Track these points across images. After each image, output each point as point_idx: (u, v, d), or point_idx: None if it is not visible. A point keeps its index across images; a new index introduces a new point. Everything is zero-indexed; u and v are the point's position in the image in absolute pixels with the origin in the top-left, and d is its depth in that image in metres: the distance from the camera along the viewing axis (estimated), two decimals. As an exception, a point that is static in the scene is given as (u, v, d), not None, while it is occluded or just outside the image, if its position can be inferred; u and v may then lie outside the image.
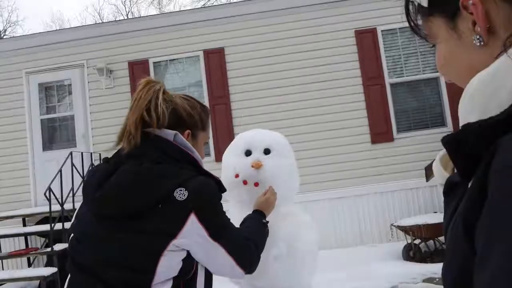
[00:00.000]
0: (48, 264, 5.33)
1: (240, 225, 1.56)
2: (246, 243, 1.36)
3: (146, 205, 1.19)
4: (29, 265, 5.93)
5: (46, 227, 5.13)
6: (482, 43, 0.55)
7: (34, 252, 5.05)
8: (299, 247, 1.89)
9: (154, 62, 6.50)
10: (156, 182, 1.20)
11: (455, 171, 0.60)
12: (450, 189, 0.60)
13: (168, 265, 1.20)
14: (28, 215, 5.69)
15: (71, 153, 5.61)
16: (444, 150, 0.61)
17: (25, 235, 5.48)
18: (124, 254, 1.18)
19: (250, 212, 1.66)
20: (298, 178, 2.15)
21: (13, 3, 32.53)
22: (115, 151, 1.36)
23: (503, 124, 0.47)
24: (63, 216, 5.16)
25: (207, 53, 6.39)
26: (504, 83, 0.49)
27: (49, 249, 4.88)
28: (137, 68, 6.47)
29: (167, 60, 6.53)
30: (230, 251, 1.27)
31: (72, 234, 1.31)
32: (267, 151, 1.99)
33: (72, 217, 5.42)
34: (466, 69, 0.59)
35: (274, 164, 1.94)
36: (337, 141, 6.04)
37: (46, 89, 6.78)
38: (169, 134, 1.29)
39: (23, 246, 5.94)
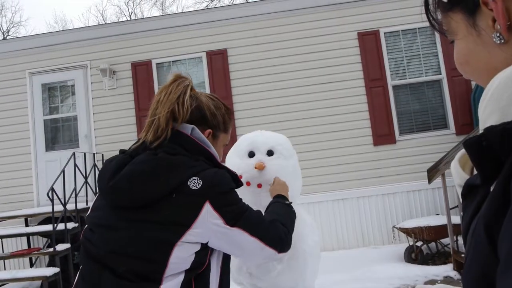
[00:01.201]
0: (50, 264, 5.34)
1: (266, 209, 1.55)
2: (270, 222, 1.34)
3: (160, 195, 1.18)
4: (31, 265, 5.95)
5: (48, 227, 5.14)
6: (502, 41, 0.54)
7: (36, 252, 5.06)
8: (302, 249, 1.89)
9: (157, 63, 6.52)
10: (170, 171, 1.19)
11: (474, 172, 0.60)
12: (469, 191, 0.58)
13: (181, 256, 1.17)
14: (30, 215, 5.71)
15: (73, 154, 5.63)
16: (463, 150, 0.61)
17: (28, 235, 5.50)
18: (136, 244, 1.16)
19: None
20: (301, 179, 2.15)
21: (17, 4, 32.70)
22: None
23: None
24: (66, 217, 5.17)
25: (210, 55, 6.41)
26: None
27: (51, 249, 4.89)
28: (140, 69, 6.48)
29: (170, 61, 6.55)
30: (252, 232, 1.25)
31: (86, 225, 1.31)
32: (270, 153, 1.99)
33: (74, 217, 5.45)
34: (485, 67, 0.58)
35: (277, 165, 1.94)
36: (340, 143, 6.04)
37: (49, 90, 6.80)
38: (187, 127, 1.29)
39: (25, 246, 5.96)
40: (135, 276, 1.15)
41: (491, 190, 0.50)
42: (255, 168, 1.91)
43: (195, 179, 1.19)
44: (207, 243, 1.23)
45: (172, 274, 1.18)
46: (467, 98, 6.00)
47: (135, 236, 1.17)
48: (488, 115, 0.52)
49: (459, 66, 0.63)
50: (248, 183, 1.91)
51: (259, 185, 1.91)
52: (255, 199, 1.90)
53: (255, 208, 1.71)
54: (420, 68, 6.30)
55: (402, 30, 6.21)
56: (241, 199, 1.31)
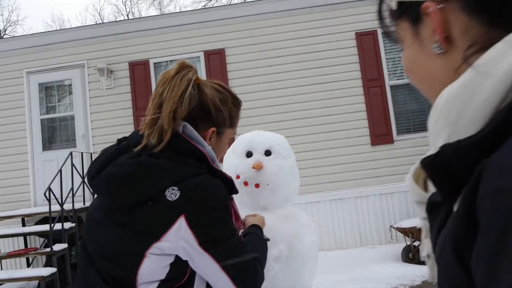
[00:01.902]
0: (47, 264, 5.32)
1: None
2: (249, 259, 1.16)
3: (136, 201, 1.10)
4: (28, 265, 5.93)
5: (45, 227, 5.13)
6: (441, 51, 0.55)
7: (33, 252, 5.05)
8: (299, 249, 1.90)
9: (154, 63, 6.51)
10: (149, 178, 1.09)
11: (427, 185, 0.59)
12: (432, 207, 0.56)
13: (152, 267, 1.10)
14: (27, 215, 5.69)
15: (71, 153, 5.61)
16: (416, 165, 0.60)
17: (24, 235, 5.48)
18: (111, 247, 1.12)
19: (250, 213, 1.64)
20: (298, 179, 2.15)
21: (14, 3, 32.59)
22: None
23: (483, 143, 0.45)
24: (63, 216, 5.15)
25: (208, 54, 6.40)
26: (473, 98, 0.48)
27: (48, 249, 4.88)
28: (138, 69, 6.47)
29: (167, 61, 6.54)
30: (225, 266, 1.10)
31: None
32: (268, 153, 1.99)
33: (71, 217, 5.42)
34: (427, 76, 0.60)
35: (274, 165, 1.95)
36: (337, 143, 6.05)
37: (46, 89, 6.78)
38: (178, 125, 1.16)
39: (22, 246, 5.94)
40: (111, 279, 1.12)
41: (454, 210, 0.48)
42: (253, 168, 1.91)
43: (174, 190, 1.08)
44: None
45: (146, 282, 1.11)
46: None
47: (111, 239, 1.13)
48: (440, 130, 0.52)
49: (406, 73, 0.64)
50: (245, 183, 1.91)
51: (257, 185, 1.91)
52: (252, 199, 1.90)
53: (252, 208, 1.71)
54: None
55: (399, 30, 6.24)
56: (227, 220, 1.14)
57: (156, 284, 1.12)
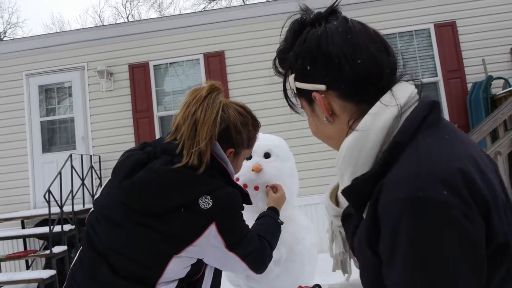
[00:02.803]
0: (47, 266, 5.32)
1: (256, 221, 1.57)
2: (261, 246, 1.37)
3: (170, 208, 1.17)
4: (28, 267, 5.92)
5: (45, 230, 5.13)
6: (330, 123, 0.80)
7: (32, 254, 5.04)
8: (299, 251, 1.90)
9: (154, 65, 6.52)
10: (183, 187, 1.18)
11: (338, 201, 0.87)
12: (345, 218, 0.82)
13: (177, 268, 1.20)
14: (27, 217, 5.68)
15: (70, 155, 5.61)
16: (330, 187, 0.94)
17: (24, 237, 5.48)
18: (137, 247, 1.17)
19: (249, 215, 1.66)
20: (298, 181, 2.16)
21: (14, 5, 32.61)
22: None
23: (376, 174, 0.68)
24: (62, 219, 5.15)
25: (207, 56, 6.41)
26: (363, 148, 0.72)
27: (48, 252, 4.87)
28: (138, 71, 6.48)
29: (167, 63, 6.55)
30: (244, 258, 1.29)
31: (92, 209, 1.31)
32: (267, 155, 2.00)
33: (71, 219, 5.43)
34: (327, 136, 0.84)
35: (274, 167, 1.95)
36: (337, 145, 6.06)
37: (46, 91, 6.78)
38: (213, 145, 1.28)
39: (21, 249, 5.94)
40: (130, 277, 1.17)
41: (364, 217, 0.72)
42: (252, 170, 1.92)
43: (206, 199, 1.18)
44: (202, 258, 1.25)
45: (166, 282, 1.20)
46: (463, 100, 6.03)
47: (137, 240, 1.18)
48: (345, 169, 0.75)
49: (313, 134, 0.88)
50: (245, 186, 1.92)
51: (256, 188, 1.91)
52: (252, 201, 1.90)
53: (252, 211, 1.71)
54: (417, 70, 6.33)
55: (398, 33, 6.24)
56: (244, 221, 1.33)
57: (175, 283, 1.22)
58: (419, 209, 0.60)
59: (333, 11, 0.85)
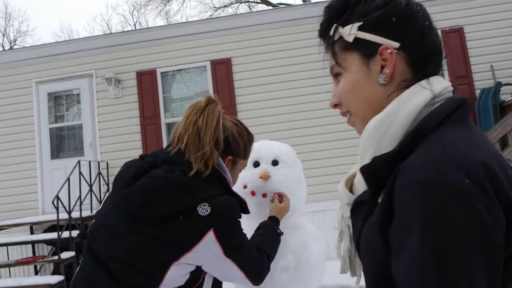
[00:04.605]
0: (55, 272, 5.34)
1: (256, 230, 1.59)
2: (259, 257, 1.39)
3: (168, 214, 1.20)
4: (36, 273, 5.95)
5: (53, 235, 5.15)
6: (385, 82, 0.76)
7: (41, 260, 5.07)
8: (306, 259, 1.89)
9: (161, 72, 6.56)
10: (183, 194, 1.21)
11: (354, 191, 0.84)
12: (356, 206, 0.79)
13: (176, 275, 1.21)
14: (35, 223, 5.72)
15: (79, 162, 5.65)
16: (346, 175, 0.90)
17: (32, 243, 5.51)
18: (136, 255, 1.19)
19: (258, 223, 1.67)
20: (305, 188, 2.16)
21: (24, 13, 33.06)
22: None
23: (399, 155, 0.67)
24: (70, 225, 5.18)
25: (214, 64, 6.45)
26: (392, 125, 0.71)
27: (56, 257, 4.90)
28: (145, 78, 6.53)
29: (174, 70, 6.59)
30: (242, 267, 1.30)
31: (94, 220, 1.34)
32: (275, 162, 2.00)
33: (79, 225, 5.46)
34: (365, 98, 0.79)
35: (281, 175, 1.95)
36: (345, 151, 6.03)
37: (55, 98, 6.85)
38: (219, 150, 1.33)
39: (30, 254, 5.97)
40: (130, 284, 1.18)
41: (379, 201, 0.69)
42: (260, 178, 1.92)
43: (205, 206, 1.21)
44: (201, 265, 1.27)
45: None
46: (471, 107, 6.00)
47: (136, 247, 1.20)
48: (368, 147, 0.74)
49: (344, 94, 0.82)
50: (253, 193, 1.92)
51: (264, 195, 1.91)
52: (259, 209, 1.90)
53: (260, 218, 1.72)
54: (424, 76, 6.31)
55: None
56: (242, 229, 1.35)
57: None
58: (438, 193, 0.58)
59: None
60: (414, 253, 0.58)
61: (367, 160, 0.72)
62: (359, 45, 0.78)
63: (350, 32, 0.78)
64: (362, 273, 0.84)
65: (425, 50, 0.76)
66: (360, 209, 0.77)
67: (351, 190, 0.86)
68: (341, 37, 0.80)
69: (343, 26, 0.80)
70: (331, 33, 0.82)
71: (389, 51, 0.75)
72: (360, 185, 0.79)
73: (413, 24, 0.76)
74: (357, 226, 0.78)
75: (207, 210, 1.20)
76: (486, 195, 0.58)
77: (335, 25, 0.81)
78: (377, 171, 0.69)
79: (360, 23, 0.77)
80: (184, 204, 1.20)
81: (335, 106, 0.87)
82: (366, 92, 0.79)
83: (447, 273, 0.56)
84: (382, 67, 0.76)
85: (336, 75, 0.85)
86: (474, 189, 0.58)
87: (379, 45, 0.76)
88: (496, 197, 0.59)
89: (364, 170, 0.71)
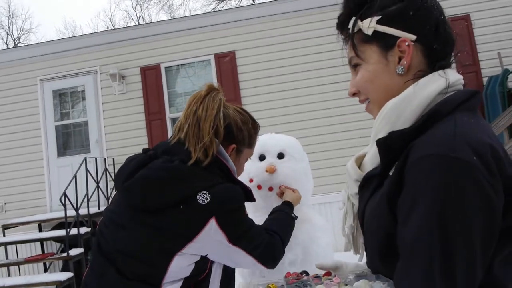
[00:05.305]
0: (64, 269, 5.38)
1: (269, 215, 1.57)
2: (270, 241, 1.35)
3: (169, 203, 1.19)
4: (45, 270, 6.00)
5: (61, 233, 5.18)
6: (402, 73, 0.82)
7: (50, 257, 5.10)
8: (315, 251, 1.88)
9: (165, 67, 6.54)
10: (182, 182, 1.20)
11: (363, 168, 0.88)
12: (365, 182, 0.85)
13: (180, 266, 1.20)
14: (43, 221, 5.75)
15: (85, 159, 5.66)
16: (356, 154, 0.95)
17: (41, 240, 5.54)
18: (139, 247, 1.19)
19: (265, 216, 1.65)
20: (312, 181, 2.13)
21: (27, 11, 33.13)
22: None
23: (414, 132, 0.74)
24: (78, 221, 5.20)
25: (218, 57, 6.41)
26: (407, 108, 0.78)
27: (65, 254, 4.92)
28: (149, 73, 6.51)
29: (178, 65, 6.57)
30: (251, 251, 1.28)
31: (102, 217, 1.35)
32: (280, 156, 1.98)
33: (87, 222, 5.49)
34: (383, 87, 0.84)
35: (288, 168, 1.93)
36: (352, 142, 6.00)
37: (60, 96, 6.86)
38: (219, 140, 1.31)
39: (39, 252, 6.01)
40: (136, 276, 1.19)
41: (390, 174, 0.76)
42: (266, 171, 1.90)
43: (204, 194, 1.19)
44: (206, 255, 1.25)
45: (171, 281, 1.20)
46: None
47: (140, 239, 1.20)
48: (383, 126, 0.80)
49: (364, 83, 0.87)
50: (259, 187, 1.90)
51: (270, 188, 1.89)
52: (266, 202, 1.89)
53: (266, 211, 1.69)
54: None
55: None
56: (246, 216, 1.33)
57: (181, 283, 1.23)
58: (447, 165, 0.65)
59: None
60: (421, 217, 0.65)
61: (382, 135, 0.78)
62: (378, 38, 0.83)
63: (369, 25, 0.83)
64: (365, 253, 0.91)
65: (440, 42, 0.82)
66: (368, 184, 0.83)
67: (360, 169, 0.91)
68: (360, 30, 0.85)
69: (362, 19, 0.84)
70: (350, 26, 0.87)
71: (406, 43, 0.80)
72: (370, 162, 0.86)
73: (429, 18, 0.81)
74: (363, 199, 0.84)
75: (207, 198, 1.19)
76: (490, 173, 0.65)
77: (354, 18, 0.86)
78: (392, 145, 0.75)
79: (379, 17, 0.82)
80: (183, 192, 1.19)
81: (354, 94, 0.91)
82: (384, 81, 0.84)
83: (449, 236, 0.63)
84: (400, 58, 0.81)
85: (355, 66, 0.90)
86: (481, 166, 0.65)
87: (397, 37, 0.81)
88: (499, 176, 0.66)
89: (380, 142, 0.77)
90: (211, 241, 1.20)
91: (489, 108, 5.70)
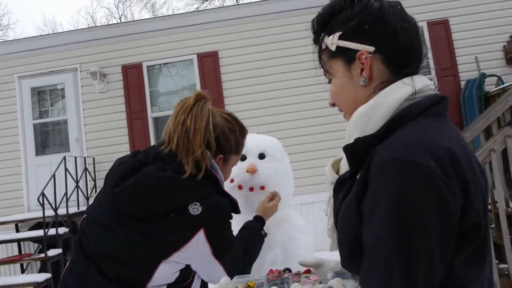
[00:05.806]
0: (42, 270, 5.28)
1: (240, 230, 1.57)
2: (244, 260, 1.38)
3: (160, 212, 1.19)
4: (22, 271, 5.88)
5: (39, 233, 5.09)
6: (364, 84, 0.85)
7: (27, 258, 5.01)
8: (294, 252, 1.89)
9: (147, 66, 6.49)
10: (174, 192, 1.20)
11: (339, 172, 0.92)
12: (339, 185, 0.89)
13: (165, 273, 1.21)
14: (21, 221, 5.64)
15: (64, 158, 5.57)
16: (334, 158, 1.00)
17: (18, 241, 5.43)
18: (126, 251, 1.19)
19: (245, 216, 1.66)
20: (293, 181, 2.15)
21: (5, 7, 32.37)
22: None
23: (377, 138, 0.77)
24: (57, 222, 5.12)
25: (201, 57, 6.40)
26: (375, 114, 0.81)
27: (42, 255, 4.84)
28: (131, 72, 6.45)
29: (160, 64, 6.52)
30: (228, 269, 1.29)
31: (85, 215, 1.33)
32: (262, 156, 1.99)
33: (65, 222, 5.40)
34: (351, 99, 0.89)
35: (268, 168, 1.94)
36: (333, 143, 6.05)
37: (38, 93, 6.74)
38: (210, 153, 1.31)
39: (16, 252, 5.88)
40: (118, 279, 1.18)
41: (357, 178, 0.78)
42: (247, 171, 1.90)
43: (196, 205, 1.20)
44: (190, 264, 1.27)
45: (155, 286, 1.21)
46: (457, 98, 6.05)
47: (126, 243, 1.19)
48: (353, 132, 0.83)
49: (333, 96, 0.94)
50: (240, 187, 1.90)
51: (251, 189, 1.90)
52: (246, 202, 1.89)
53: (246, 212, 1.70)
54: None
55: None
56: (231, 231, 1.35)
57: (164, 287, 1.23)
58: (405, 169, 0.68)
59: None
60: (381, 219, 0.68)
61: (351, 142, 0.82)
62: (341, 53, 0.87)
63: (332, 41, 0.88)
64: None
65: (400, 49, 0.84)
66: (341, 187, 0.87)
67: (337, 172, 0.95)
68: (327, 47, 0.90)
69: (329, 35, 0.89)
70: (319, 42, 0.92)
71: (364, 56, 0.84)
72: (345, 166, 0.89)
73: (386, 27, 0.83)
74: (337, 202, 0.87)
75: (198, 209, 1.20)
76: (447, 176, 0.68)
77: (322, 34, 0.91)
78: (358, 151, 0.79)
79: (340, 33, 0.86)
80: (175, 202, 1.20)
81: (333, 105, 0.97)
82: (351, 93, 0.88)
83: (407, 236, 0.66)
84: (362, 70, 0.85)
85: (329, 81, 0.95)
86: (438, 170, 0.68)
87: (357, 51, 0.85)
88: (456, 177, 0.69)
89: (346, 149, 0.82)
90: (196, 252, 1.22)
91: (466, 111, 5.84)
